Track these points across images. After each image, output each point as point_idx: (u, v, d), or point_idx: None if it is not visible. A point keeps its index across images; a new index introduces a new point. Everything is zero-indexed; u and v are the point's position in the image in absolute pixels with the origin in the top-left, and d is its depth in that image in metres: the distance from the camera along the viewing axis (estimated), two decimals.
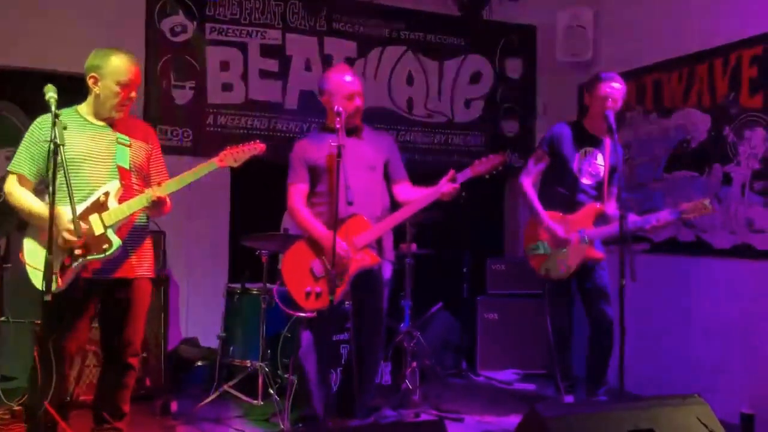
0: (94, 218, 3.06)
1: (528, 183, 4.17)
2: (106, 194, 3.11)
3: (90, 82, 3.17)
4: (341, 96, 3.68)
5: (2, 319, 4.35)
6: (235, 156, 3.25)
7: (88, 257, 3.04)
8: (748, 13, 4.38)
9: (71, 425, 3.63)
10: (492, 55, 6.08)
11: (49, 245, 2.73)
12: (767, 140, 4.28)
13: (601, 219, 4.09)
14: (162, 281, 4.59)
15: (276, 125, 5.44)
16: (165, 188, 3.19)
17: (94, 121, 3.22)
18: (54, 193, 2.77)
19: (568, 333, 4.24)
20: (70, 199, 2.80)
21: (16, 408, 3.78)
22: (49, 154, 2.78)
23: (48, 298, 2.70)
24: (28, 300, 3.25)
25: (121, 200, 3.14)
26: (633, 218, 3.87)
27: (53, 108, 2.80)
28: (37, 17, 4.82)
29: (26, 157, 3.14)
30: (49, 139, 2.78)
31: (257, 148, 3.28)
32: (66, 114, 3.11)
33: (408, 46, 5.84)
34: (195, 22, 5.22)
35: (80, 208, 3.01)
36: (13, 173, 3.16)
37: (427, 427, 2.57)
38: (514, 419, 4.16)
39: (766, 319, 4.19)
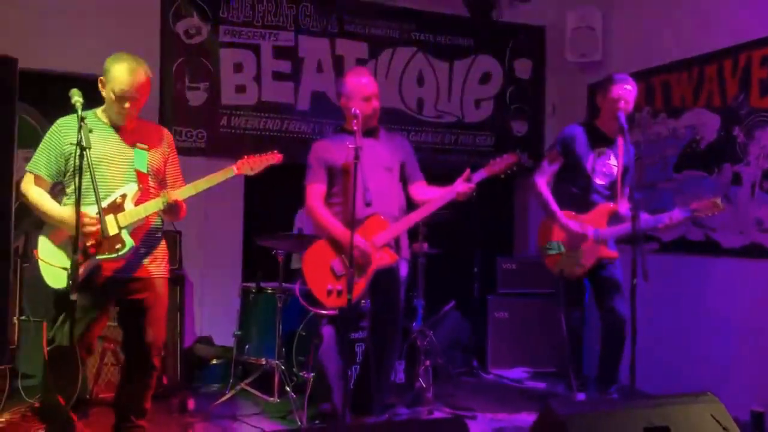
0: (109, 219, 3.09)
1: (542, 182, 4.18)
2: (123, 196, 3.15)
3: (100, 85, 3.19)
4: (359, 98, 3.72)
5: (22, 317, 4.41)
6: (252, 165, 3.29)
7: (100, 256, 3.07)
8: (758, 13, 4.40)
9: (90, 423, 3.68)
10: (502, 55, 6.13)
11: (75, 244, 2.78)
12: None
13: (614, 218, 4.10)
14: (177, 280, 4.64)
15: (288, 126, 5.49)
16: (181, 193, 3.22)
17: (112, 124, 3.25)
18: (80, 192, 2.81)
19: (580, 332, 4.27)
20: (96, 199, 2.84)
21: (36, 405, 3.83)
22: (75, 157, 2.82)
23: (74, 297, 2.75)
24: (47, 298, 3.29)
25: (137, 203, 3.17)
26: (645, 217, 3.90)
27: (79, 112, 2.83)
28: (54, 19, 4.87)
29: (44, 158, 3.18)
30: (73, 142, 2.82)
31: (275, 157, 3.31)
32: (87, 117, 3.15)
33: (418, 47, 5.88)
34: (209, 25, 5.26)
35: (96, 209, 3.02)
36: (30, 173, 3.20)
37: (448, 425, 2.61)
38: (526, 417, 4.22)
39: None
